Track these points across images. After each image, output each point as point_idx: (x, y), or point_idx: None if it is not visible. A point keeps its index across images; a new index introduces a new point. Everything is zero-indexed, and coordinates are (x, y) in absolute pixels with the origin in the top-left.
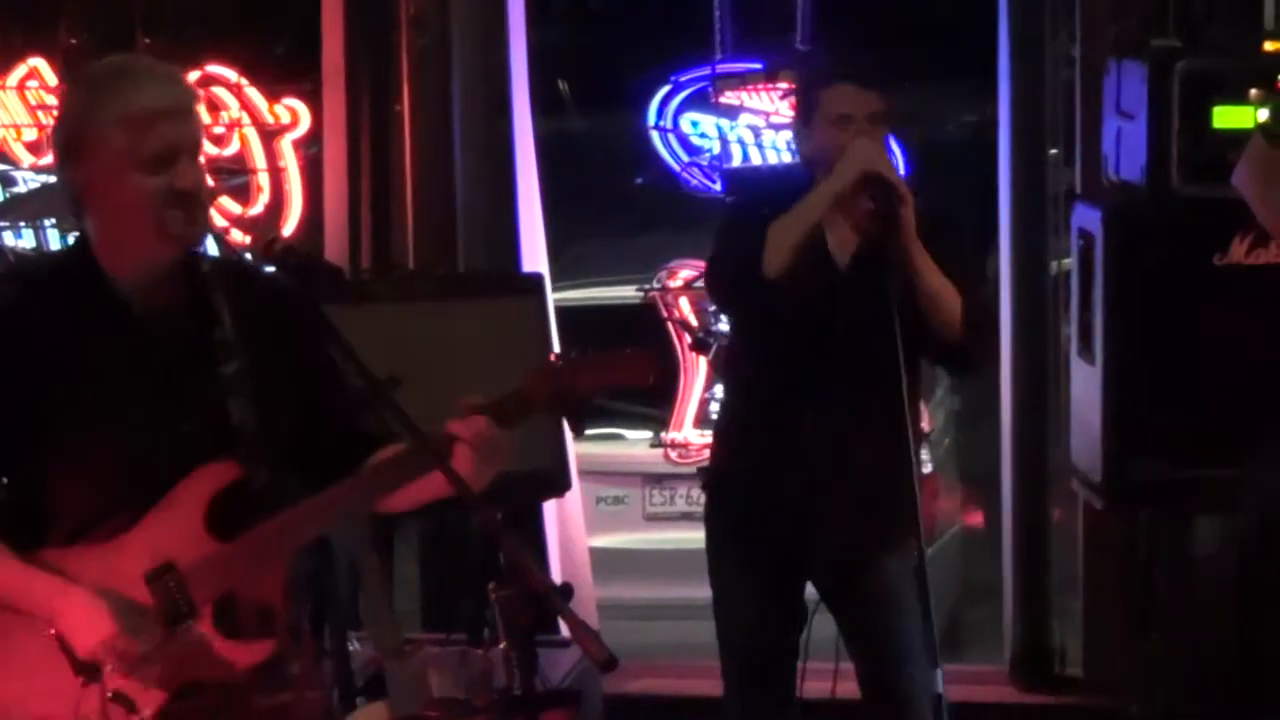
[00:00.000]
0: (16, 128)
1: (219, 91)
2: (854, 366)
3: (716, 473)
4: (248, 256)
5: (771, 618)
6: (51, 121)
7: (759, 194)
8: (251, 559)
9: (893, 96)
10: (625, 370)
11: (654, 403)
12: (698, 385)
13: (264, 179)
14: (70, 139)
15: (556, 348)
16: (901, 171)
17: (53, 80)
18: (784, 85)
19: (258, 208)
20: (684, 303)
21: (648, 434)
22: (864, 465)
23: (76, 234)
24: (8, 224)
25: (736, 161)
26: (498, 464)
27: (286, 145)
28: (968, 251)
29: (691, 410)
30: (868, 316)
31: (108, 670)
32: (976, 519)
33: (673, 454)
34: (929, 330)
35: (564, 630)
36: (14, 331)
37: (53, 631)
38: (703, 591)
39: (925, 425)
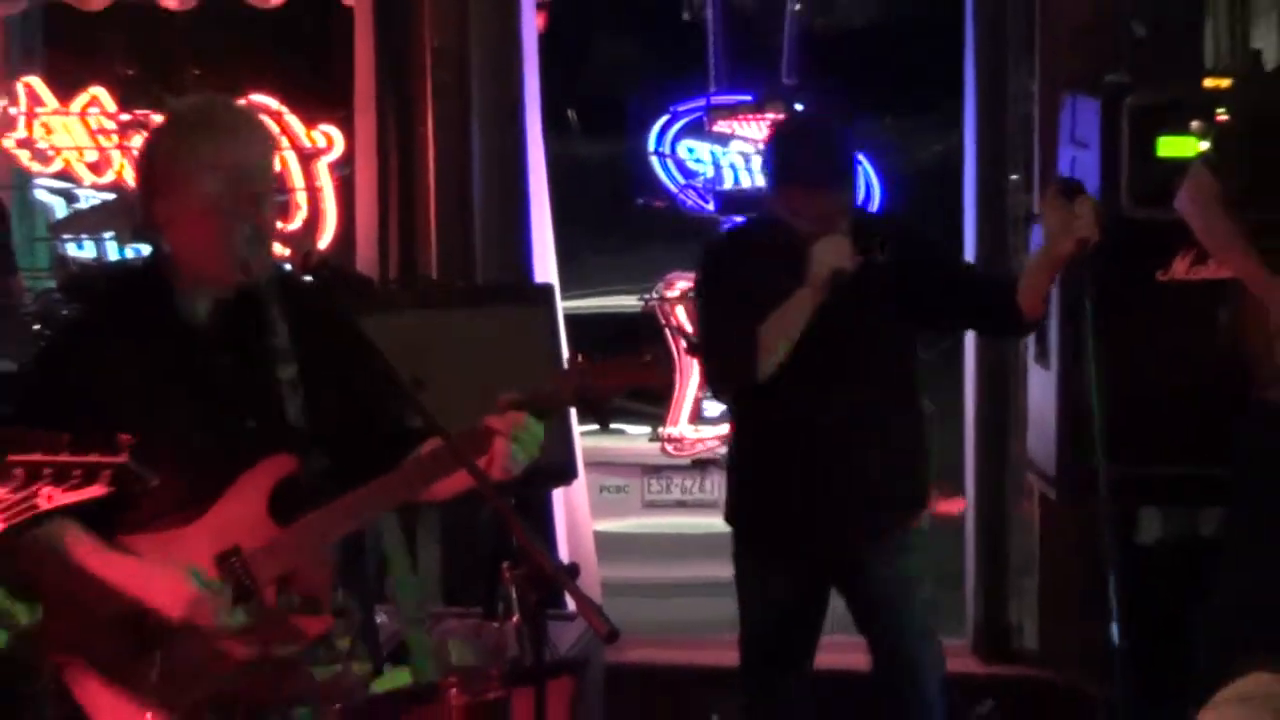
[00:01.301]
0: (79, 150)
1: (261, 118)
2: (866, 376)
3: (742, 481)
4: (287, 268)
5: (795, 608)
6: (112, 149)
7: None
8: (306, 544)
9: (843, 189)
10: (641, 372)
11: (652, 401)
12: (692, 385)
13: (302, 197)
14: (159, 176)
15: (565, 351)
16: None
17: (111, 107)
18: (771, 115)
19: (296, 224)
20: (680, 311)
21: (646, 429)
22: (881, 467)
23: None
24: (70, 236)
25: (728, 184)
26: (532, 453)
27: (322, 167)
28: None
29: (687, 408)
30: (874, 330)
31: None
32: (943, 509)
33: (669, 447)
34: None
35: (570, 606)
36: (89, 342)
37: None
38: (696, 571)
39: None
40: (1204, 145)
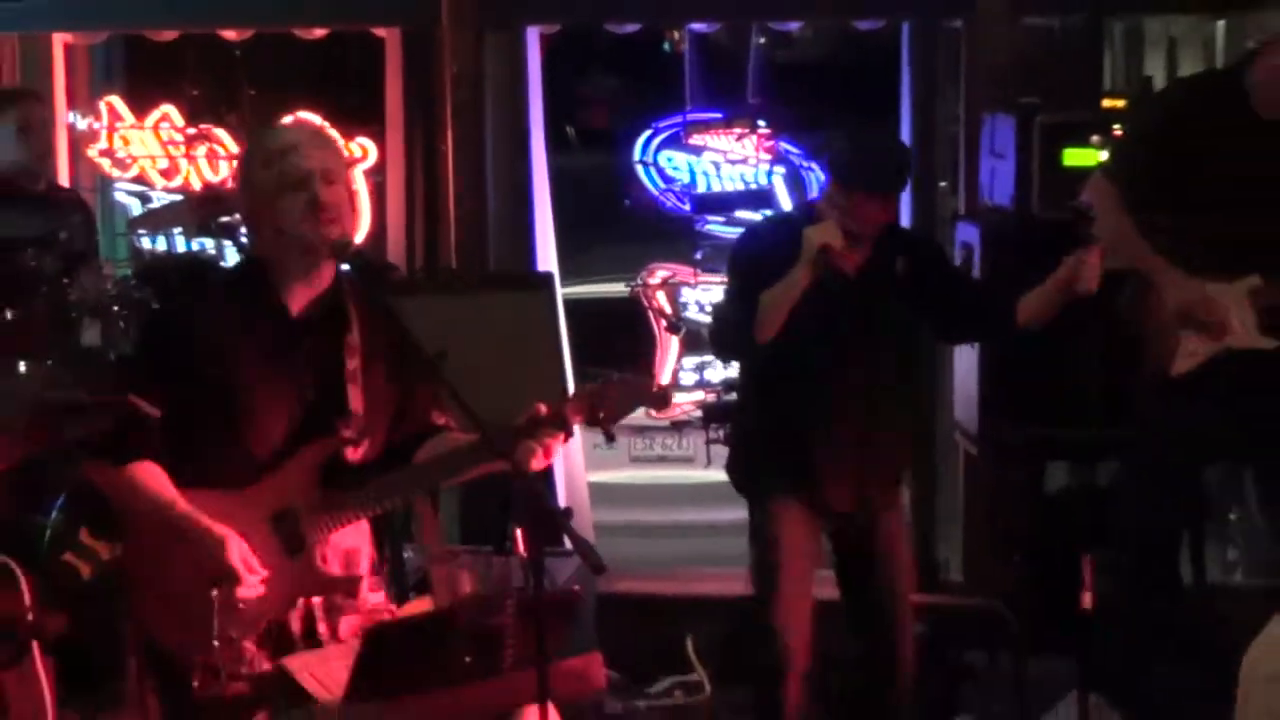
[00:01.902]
0: (152, 158)
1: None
2: (868, 359)
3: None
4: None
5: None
6: (180, 157)
7: (762, 258)
8: (351, 512)
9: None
10: (648, 397)
11: (637, 372)
12: (671, 358)
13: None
14: (240, 187)
15: (564, 332)
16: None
17: (180, 121)
18: (738, 130)
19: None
20: (660, 295)
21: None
22: (878, 444)
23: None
24: (145, 231)
25: (701, 188)
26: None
27: (358, 174)
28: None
29: (666, 378)
30: (875, 318)
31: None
32: None
33: (651, 411)
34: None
35: (567, 544)
36: (190, 322)
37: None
38: (674, 516)
39: None
40: (1103, 156)
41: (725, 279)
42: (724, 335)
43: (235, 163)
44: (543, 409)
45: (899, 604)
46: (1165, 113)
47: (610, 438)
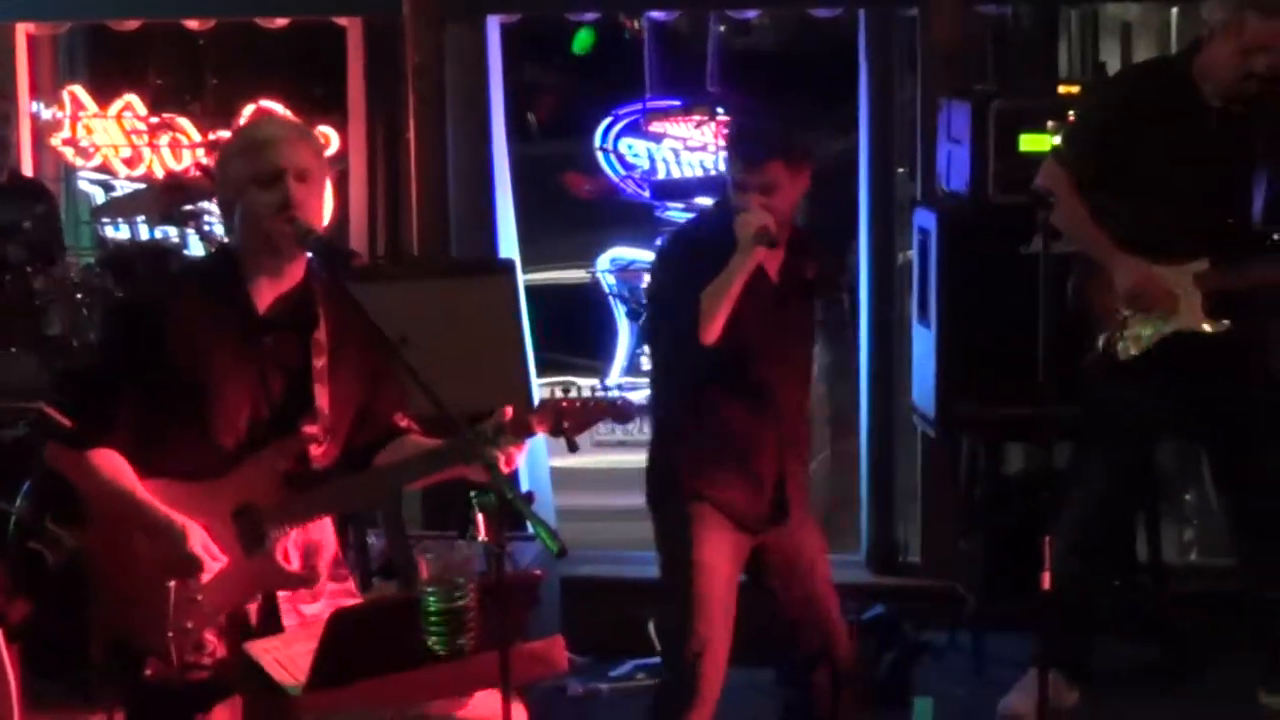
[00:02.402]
0: (115, 147)
1: (296, 123)
2: (780, 366)
3: (673, 458)
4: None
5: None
6: (144, 146)
7: (690, 257)
8: (313, 511)
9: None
10: (613, 412)
11: (596, 358)
12: (630, 343)
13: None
14: (218, 169)
15: (526, 318)
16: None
17: (143, 110)
18: (696, 117)
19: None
20: (619, 281)
21: (594, 381)
22: (790, 440)
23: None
24: (108, 220)
25: (661, 175)
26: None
27: (325, 164)
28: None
29: (625, 362)
30: (791, 320)
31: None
32: (841, 446)
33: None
34: None
35: (529, 528)
36: (156, 313)
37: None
38: (635, 500)
39: None
40: (1057, 140)
41: (655, 284)
42: (663, 337)
43: (204, 149)
44: (508, 413)
45: (827, 590)
46: (1115, 99)
47: (573, 447)
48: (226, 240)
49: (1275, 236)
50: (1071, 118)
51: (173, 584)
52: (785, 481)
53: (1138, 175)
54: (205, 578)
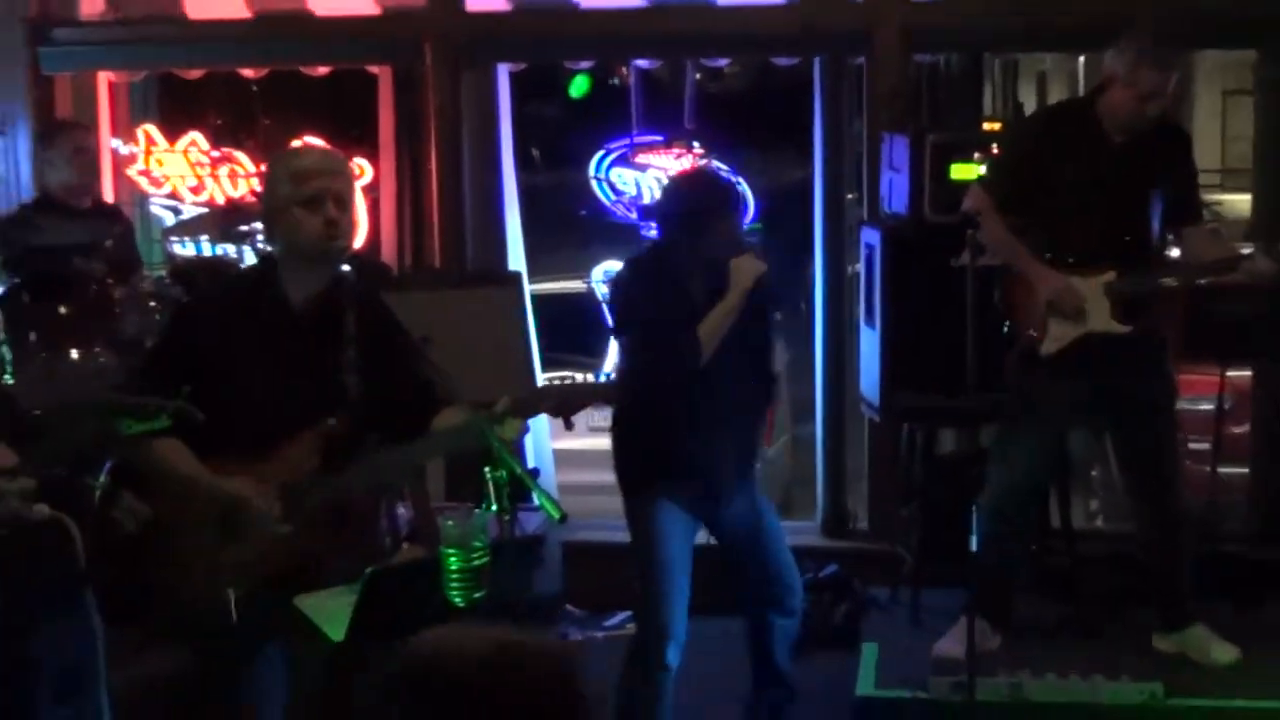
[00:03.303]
0: (182, 177)
1: (333, 151)
2: (738, 375)
3: (639, 449)
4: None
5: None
6: (206, 176)
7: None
8: (348, 486)
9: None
10: (602, 394)
11: (590, 355)
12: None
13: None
14: (264, 191)
15: (531, 320)
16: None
17: (205, 146)
18: (676, 150)
19: None
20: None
21: (590, 375)
22: (740, 436)
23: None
24: (176, 238)
25: (646, 199)
26: (514, 436)
27: (357, 189)
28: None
29: (615, 360)
30: (750, 342)
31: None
32: (800, 430)
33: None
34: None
35: (534, 499)
36: (208, 316)
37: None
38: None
39: None
40: (983, 170)
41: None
42: (680, 358)
43: (257, 178)
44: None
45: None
46: (1032, 133)
47: (569, 426)
48: (271, 251)
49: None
50: (995, 149)
51: (231, 547)
52: (731, 472)
53: (1052, 198)
54: (258, 542)
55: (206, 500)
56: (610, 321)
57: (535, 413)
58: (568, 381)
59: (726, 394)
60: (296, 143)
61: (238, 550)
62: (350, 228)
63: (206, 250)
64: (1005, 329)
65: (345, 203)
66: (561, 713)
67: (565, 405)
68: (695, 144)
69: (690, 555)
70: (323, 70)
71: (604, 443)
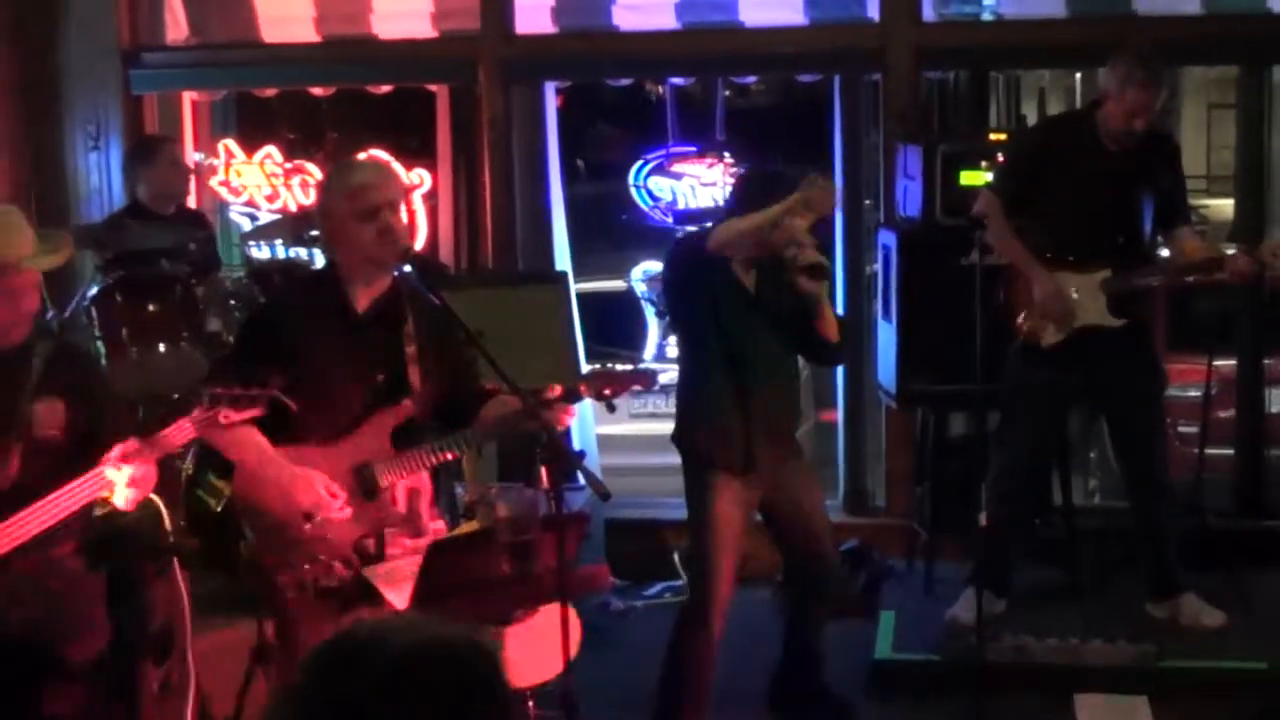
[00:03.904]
0: (258, 187)
1: (386, 162)
2: (773, 355)
3: (697, 428)
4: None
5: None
6: (280, 185)
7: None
8: (414, 465)
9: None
10: (640, 380)
11: (631, 348)
12: (656, 336)
13: (404, 216)
14: (323, 211)
15: (577, 315)
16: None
17: (279, 158)
18: (708, 160)
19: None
20: (648, 288)
21: (628, 366)
22: (783, 415)
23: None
24: (254, 242)
25: (681, 205)
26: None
27: (417, 197)
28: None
29: (654, 351)
30: (775, 327)
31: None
32: (824, 416)
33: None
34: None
35: (580, 479)
36: (283, 316)
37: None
38: (664, 459)
39: None
40: (989, 177)
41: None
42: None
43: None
44: (557, 390)
45: (822, 518)
46: (1035, 143)
47: (611, 409)
48: (331, 257)
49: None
50: (1001, 158)
51: (308, 525)
52: (764, 443)
53: (1052, 201)
54: (332, 518)
55: (280, 482)
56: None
57: (580, 398)
58: (609, 368)
59: (766, 374)
60: (362, 155)
61: (316, 525)
62: (407, 231)
63: (281, 253)
64: (1008, 322)
65: (398, 209)
66: (478, 708)
67: (607, 390)
68: (726, 154)
69: (745, 517)
70: (385, 89)
71: (645, 428)
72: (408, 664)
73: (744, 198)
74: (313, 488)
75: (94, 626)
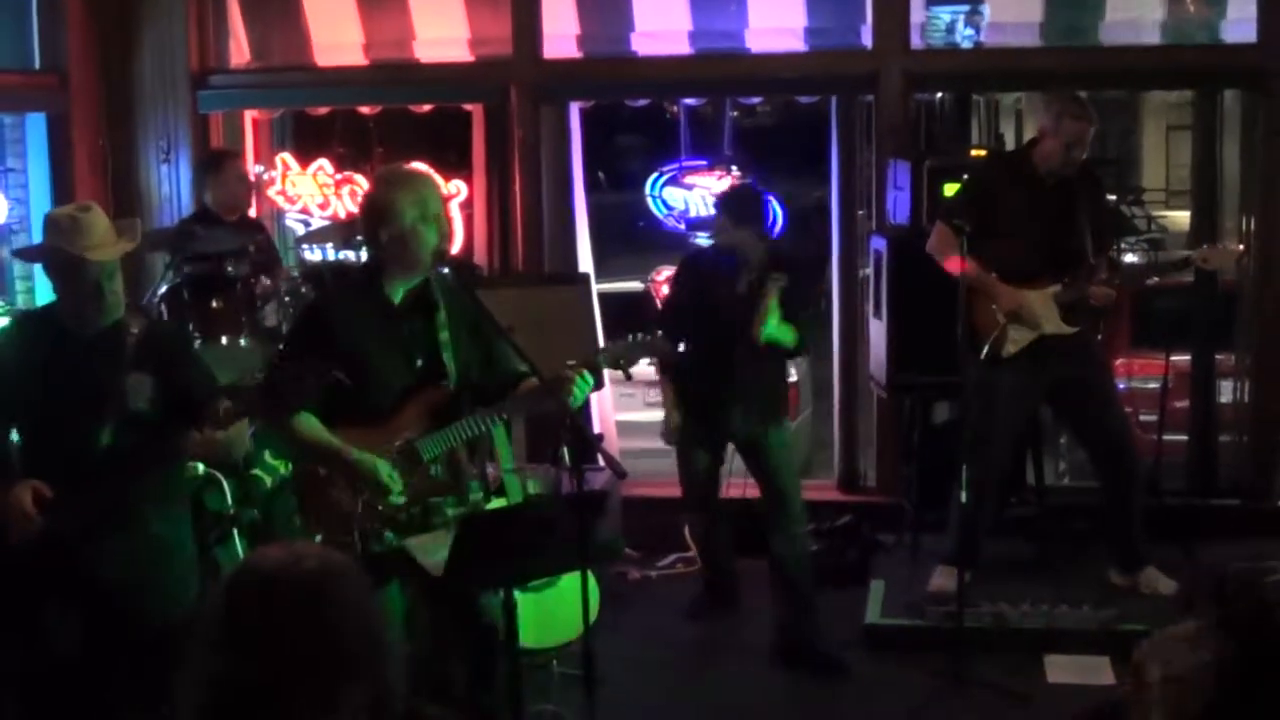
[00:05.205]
0: (312, 196)
1: (430, 174)
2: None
3: (685, 391)
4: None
5: (711, 464)
6: (331, 195)
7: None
8: (452, 441)
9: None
10: (657, 349)
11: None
12: None
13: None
14: (379, 213)
15: (599, 316)
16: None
17: (331, 170)
18: (718, 173)
19: None
20: (665, 289)
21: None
22: (763, 385)
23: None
24: (307, 246)
25: (693, 214)
26: (586, 392)
27: (454, 205)
28: (805, 289)
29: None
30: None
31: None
32: (821, 404)
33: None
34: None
35: (599, 460)
36: (333, 309)
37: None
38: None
39: None
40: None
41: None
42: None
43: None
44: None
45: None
46: (982, 179)
47: (628, 376)
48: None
49: (1114, 250)
50: (948, 192)
51: (363, 499)
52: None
53: (1001, 231)
54: (394, 495)
55: (347, 465)
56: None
57: (599, 369)
58: (621, 342)
59: (733, 352)
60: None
61: (372, 498)
62: (448, 233)
63: (331, 255)
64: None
65: (441, 217)
66: (302, 636)
67: (624, 358)
68: (733, 168)
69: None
70: (427, 108)
71: (656, 414)
72: (266, 587)
73: (729, 211)
74: (382, 469)
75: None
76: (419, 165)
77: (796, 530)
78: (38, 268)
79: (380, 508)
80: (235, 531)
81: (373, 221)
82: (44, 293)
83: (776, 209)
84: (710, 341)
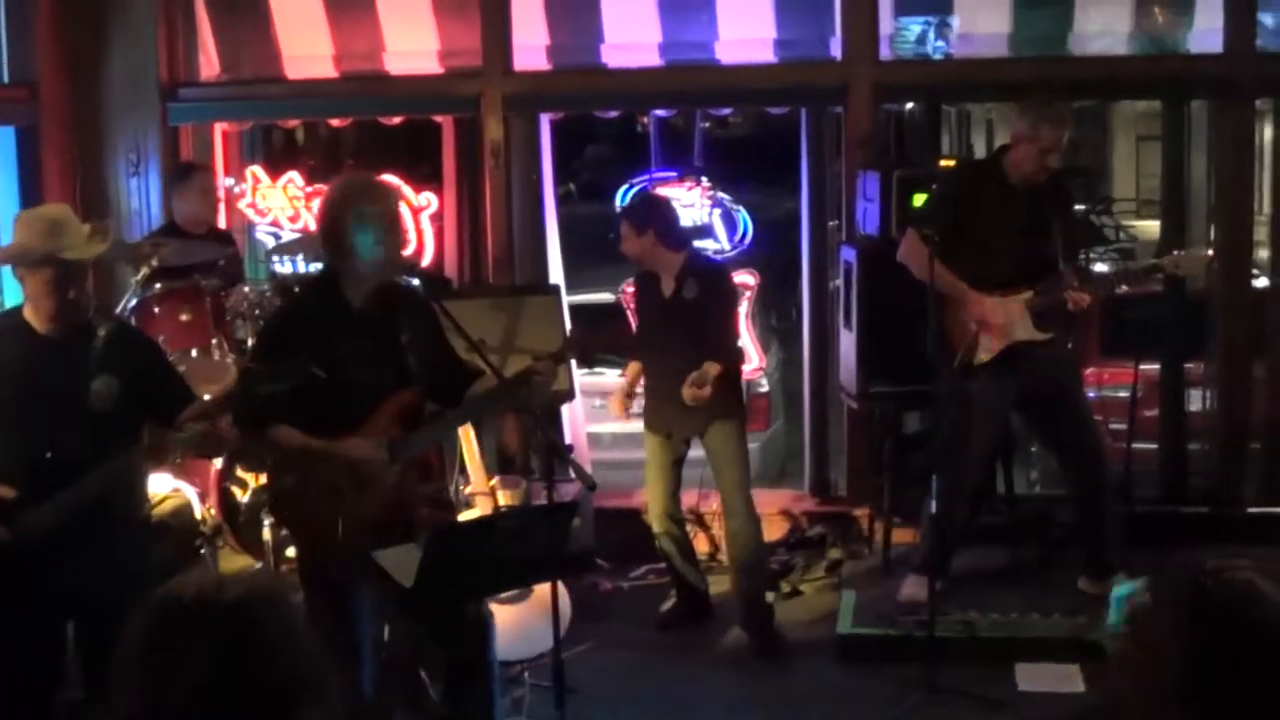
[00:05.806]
0: (282, 209)
1: (390, 184)
2: (688, 342)
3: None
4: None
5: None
6: (301, 207)
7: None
8: (425, 442)
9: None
10: (611, 338)
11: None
12: None
13: (412, 235)
14: (331, 220)
15: (568, 324)
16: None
17: (301, 183)
18: (688, 184)
19: (408, 250)
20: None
21: (617, 370)
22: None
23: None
24: (278, 258)
25: None
26: (551, 386)
27: (424, 217)
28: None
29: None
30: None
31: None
32: (791, 414)
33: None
34: None
35: (570, 472)
36: (298, 316)
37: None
38: (643, 455)
39: (761, 365)
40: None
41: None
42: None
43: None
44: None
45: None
46: (953, 188)
47: (590, 366)
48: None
49: (1081, 256)
50: (918, 202)
51: (343, 501)
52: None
53: (973, 238)
54: (377, 490)
55: (329, 463)
56: None
57: (565, 357)
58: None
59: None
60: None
61: (353, 503)
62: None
63: (302, 268)
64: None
65: (394, 229)
66: (242, 663)
67: (587, 346)
68: (703, 179)
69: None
70: (397, 120)
71: (628, 425)
72: (194, 613)
73: (644, 216)
74: (368, 448)
75: None
76: (387, 176)
77: (736, 526)
78: (6, 270)
79: (365, 508)
80: (203, 545)
81: (325, 229)
82: (12, 294)
83: (747, 220)
84: (658, 348)
